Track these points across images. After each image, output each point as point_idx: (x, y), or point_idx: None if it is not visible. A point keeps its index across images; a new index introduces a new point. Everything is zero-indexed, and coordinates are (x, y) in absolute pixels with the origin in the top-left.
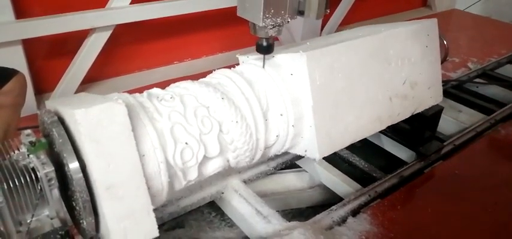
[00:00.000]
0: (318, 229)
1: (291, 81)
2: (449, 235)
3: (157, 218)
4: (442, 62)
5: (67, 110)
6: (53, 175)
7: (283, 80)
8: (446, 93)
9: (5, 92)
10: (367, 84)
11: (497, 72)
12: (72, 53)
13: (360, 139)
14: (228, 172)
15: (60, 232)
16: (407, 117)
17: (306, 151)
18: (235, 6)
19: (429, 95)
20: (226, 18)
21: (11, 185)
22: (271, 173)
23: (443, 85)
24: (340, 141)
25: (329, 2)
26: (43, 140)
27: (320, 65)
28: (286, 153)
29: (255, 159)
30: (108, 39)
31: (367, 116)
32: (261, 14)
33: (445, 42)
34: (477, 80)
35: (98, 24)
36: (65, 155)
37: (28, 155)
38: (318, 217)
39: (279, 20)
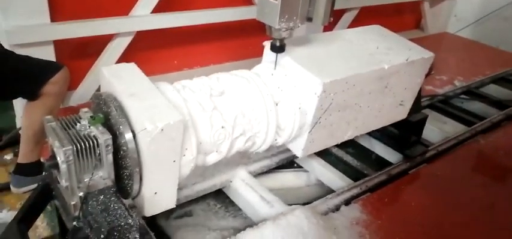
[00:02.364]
0: (315, 213)
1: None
2: (428, 224)
3: None
4: (426, 76)
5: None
6: (110, 142)
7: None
8: (433, 107)
9: (53, 82)
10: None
11: (481, 90)
12: (94, 55)
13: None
14: (236, 162)
15: (112, 189)
16: (403, 62)
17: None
18: (243, 20)
19: (415, 53)
20: (234, 30)
21: (78, 148)
22: (271, 171)
23: (430, 99)
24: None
25: (333, 12)
26: (100, 115)
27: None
28: (289, 149)
29: (266, 141)
30: (128, 44)
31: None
32: (278, 18)
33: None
34: (462, 96)
35: (121, 30)
36: (120, 124)
37: (89, 126)
38: (315, 203)
39: (291, 24)
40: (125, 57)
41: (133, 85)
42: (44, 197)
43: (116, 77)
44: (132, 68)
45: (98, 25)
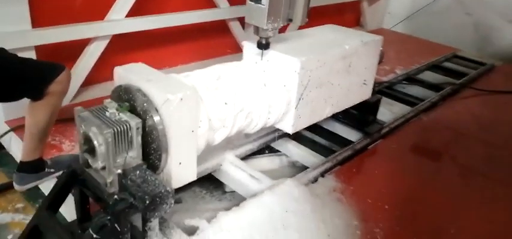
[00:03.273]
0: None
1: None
2: (390, 186)
3: None
4: (379, 63)
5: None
6: (140, 125)
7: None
8: (381, 92)
9: (58, 82)
10: None
11: (418, 76)
12: (72, 58)
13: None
14: (223, 148)
15: (144, 165)
16: (359, 43)
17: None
18: (206, 22)
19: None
20: (199, 32)
21: (115, 131)
22: (247, 158)
23: (377, 86)
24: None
25: (309, 14)
26: (126, 103)
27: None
28: (267, 134)
29: (261, 117)
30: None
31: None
32: (265, 20)
33: (381, 49)
34: (403, 82)
35: (99, 34)
36: (144, 102)
37: (118, 113)
38: (297, 176)
39: (275, 25)
40: (101, 61)
41: (148, 75)
42: (69, 183)
43: (130, 72)
44: (141, 65)
45: (77, 30)
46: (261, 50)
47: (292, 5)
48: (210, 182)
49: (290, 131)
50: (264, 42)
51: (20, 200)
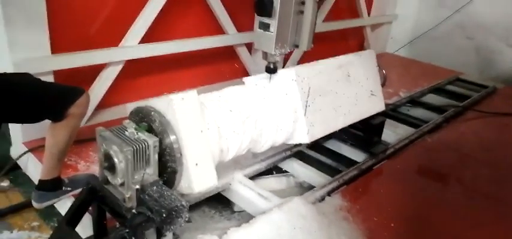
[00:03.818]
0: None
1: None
2: (396, 205)
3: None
4: (382, 86)
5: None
6: (157, 143)
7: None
8: (386, 114)
9: (77, 104)
10: None
11: (422, 99)
12: (87, 82)
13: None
14: (232, 167)
15: (160, 181)
16: (352, 54)
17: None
18: (214, 48)
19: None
20: (207, 57)
21: (135, 149)
22: (255, 178)
23: None
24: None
25: (313, 39)
26: (144, 124)
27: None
28: (275, 154)
29: (270, 128)
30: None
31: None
32: (274, 46)
33: (383, 71)
34: (407, 104)
35: (113, 59)
36: (152, 111)
37: (136, 133)
38: (305, 195)
39: (283, 50)
40: (115, 85)
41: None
42: (89, 199)
43: (138, 103)
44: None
45: (93, 55)
46: (268, 75)
47: (299, 31)
48: (218, 202)
49: (307, 140)
50: (272, 66)
51: (36, 218)
